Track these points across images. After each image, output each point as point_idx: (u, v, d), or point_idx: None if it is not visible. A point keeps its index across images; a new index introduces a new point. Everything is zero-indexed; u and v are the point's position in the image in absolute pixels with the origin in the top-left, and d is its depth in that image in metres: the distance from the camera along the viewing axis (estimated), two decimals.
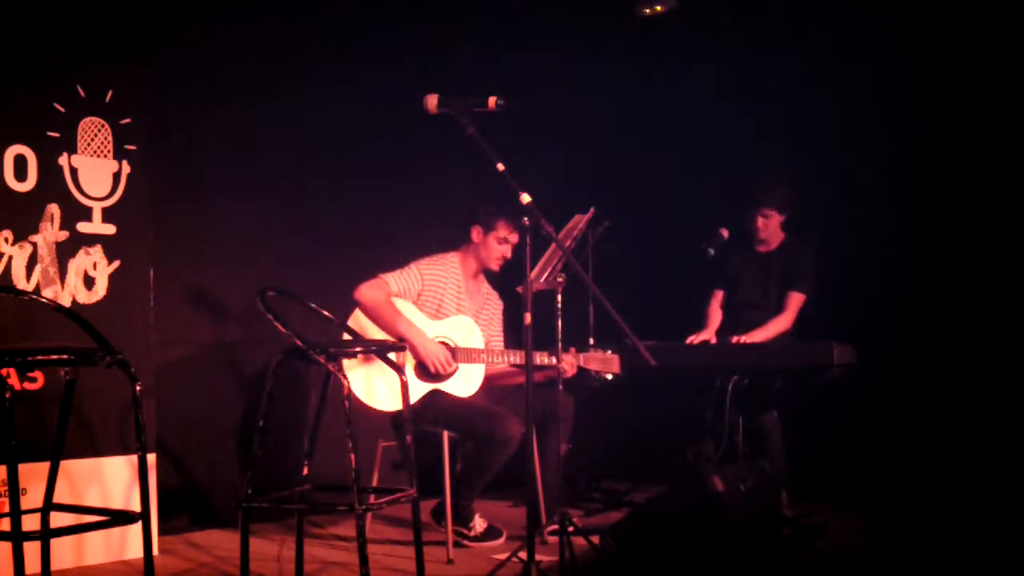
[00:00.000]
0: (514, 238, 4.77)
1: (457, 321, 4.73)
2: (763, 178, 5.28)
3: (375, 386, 4.44)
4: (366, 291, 4.53)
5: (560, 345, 4.11)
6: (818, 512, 4.47)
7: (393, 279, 4.62)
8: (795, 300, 5.17)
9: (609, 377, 4.66)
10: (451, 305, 4.74)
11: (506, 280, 4.96)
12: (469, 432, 4.49)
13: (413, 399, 4.48)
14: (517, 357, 4.61)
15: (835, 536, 4.29)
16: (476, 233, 4.80)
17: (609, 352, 4.64)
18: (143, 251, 4.29)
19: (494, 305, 4.98)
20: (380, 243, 5.50)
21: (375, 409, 4.46)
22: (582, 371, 4.66)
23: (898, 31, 5.59)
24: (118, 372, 3.19)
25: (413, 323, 4.55)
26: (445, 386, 4.59)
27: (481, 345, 4.72)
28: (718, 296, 5.44)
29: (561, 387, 4.14)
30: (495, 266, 4.83)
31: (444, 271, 4.76)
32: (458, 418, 4.52)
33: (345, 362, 4.30)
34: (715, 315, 5.41)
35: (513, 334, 4.90)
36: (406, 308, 4.62)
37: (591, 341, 4.83)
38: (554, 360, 4.31)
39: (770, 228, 5.26)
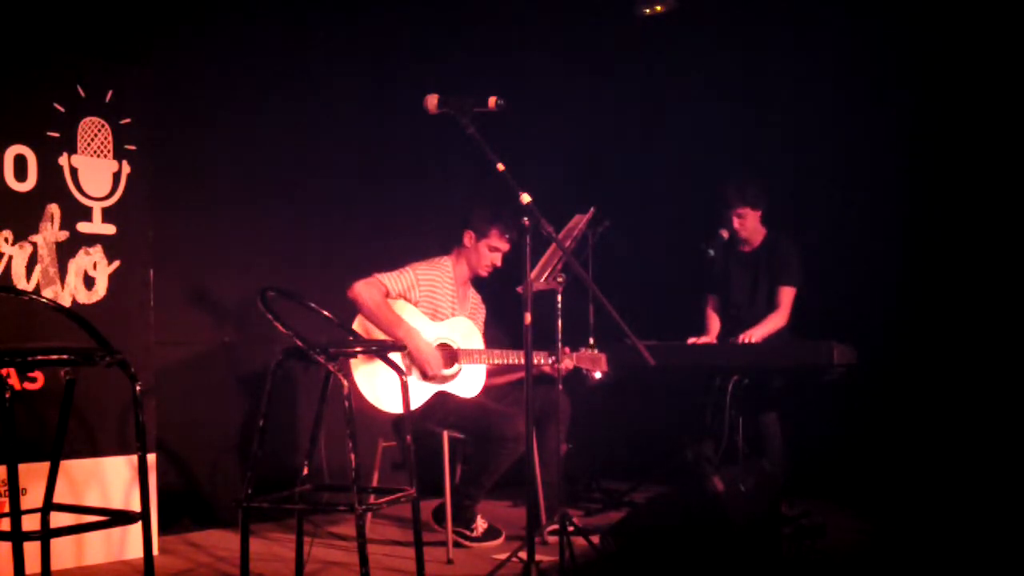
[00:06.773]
0: (505, 247, 4.77)
1: (457, 322, 4.72)
2: (730, 180, 5.27)
3: (382, 388, 4.43)
4: (361, 289, 4.51)
5: (559, 345, 4.12)
6: (818, 512, 4.46)
7: (389, 279, 4.60)
8: (786, 294, 5.20)
9: (598, 375, 4.67)
10: (446, 308, 4.73)
11: (506, 280, 4.96)
12: (480, 432, 4.48)
13: (420, 401, 4.48)
14: (517, 357, 4.61)
15: (835, 536, 4.28)
16: (468, 238, 4.79)
17: (597, 351, 4.64)
18: (143, 251, 4.29)
19: (480, 311, 4.97)
20: (379, 243, 5.49)
21: (383, 411, 4.45)
22: (576, 369, 4.66)
23: (898, 31, 5.59)
24: (118, 372, 3.19)
25: (409, 324, 4.54)
26: (450, 387, 4.59)
27: (481, 346, 4.72)
28: (712, 301, 5.47)
29: (560, 387, 4.14)
30: (484, 272, 4.82)
31: (439, 274, 4.74)
32: (468, 419, 4.52)
33: (353, 364, 4.33)
34: (713, 320, 5.44)
35: (512, 334, 4.90)
36: (407, 309, 4.61)
37: (591, 340, 4.82)
38: (552, 361, 4.31)
39: (748, 226, 5.26)
